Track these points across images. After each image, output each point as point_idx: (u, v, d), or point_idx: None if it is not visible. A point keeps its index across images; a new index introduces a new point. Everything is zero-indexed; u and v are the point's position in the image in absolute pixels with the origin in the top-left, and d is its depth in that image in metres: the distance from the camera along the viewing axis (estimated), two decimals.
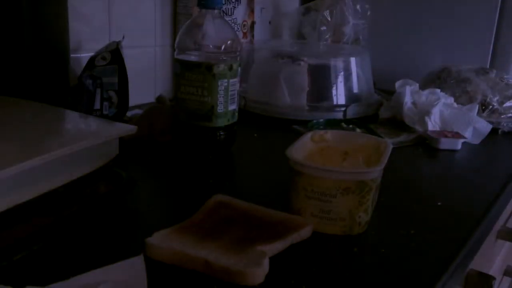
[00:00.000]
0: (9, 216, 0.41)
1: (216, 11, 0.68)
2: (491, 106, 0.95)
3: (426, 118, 0.85)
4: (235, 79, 0.69)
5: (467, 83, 0.98)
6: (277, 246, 0.44)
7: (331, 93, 0.96)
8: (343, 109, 0.94)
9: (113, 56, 0.75)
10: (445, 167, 0.75)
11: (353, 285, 0.41)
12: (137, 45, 0.95)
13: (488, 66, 1.22)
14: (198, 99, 0.68)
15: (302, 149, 0.54)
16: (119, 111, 0.76)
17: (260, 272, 0.39)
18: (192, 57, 0.68)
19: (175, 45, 0.70)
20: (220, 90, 0.67)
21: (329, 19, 1.23)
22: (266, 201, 0.51)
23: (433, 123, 0.85)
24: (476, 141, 0.85)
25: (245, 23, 1.16)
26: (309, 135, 0.58)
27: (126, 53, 0.76)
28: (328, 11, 1.23)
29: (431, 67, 1.09)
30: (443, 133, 0.83)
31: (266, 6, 1.28)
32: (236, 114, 0.72)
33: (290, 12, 1.32)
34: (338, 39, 1.25)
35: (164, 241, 0.42)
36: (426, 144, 0.83)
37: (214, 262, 0.40)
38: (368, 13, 1.25)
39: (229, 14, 1.11)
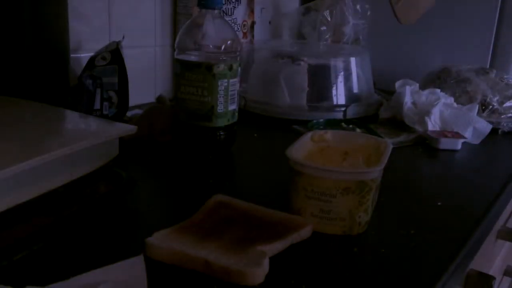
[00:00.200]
0: (9, 216, 0.41)
1: (216, 11, 0.68)
2: (491, 106, 0.95)
3: (426, 118, 0.85)
4: (235, 79, 0.69)
5: (467, 83, 0.98)
6: (277, 246, 0.44)
7: (331, 93, 0.96)
8: (343, 109, 0.94)
9: (113, 56, 0.75)
10: (445, 167, 0.75)
11: (353, 285, 0.41)
12: (137, 45, 0.95)
13: (488, 66, 1.22)
14: (198, 99, 0.68)
15: (302, 149, 0.54)
16: (119, 111, 0.76)
17: (260, 272, 0.39)
18: (192, 57, 0.68)
19: (175, 45, 0.70)
20: (220, 90, 0.67)
21: (329, 19, 1.23)
22: (266, 201, 0.51)
23: (433, 123, 0.85)
24: (476, 141, 0.85)
25: (245, 23, 1.16)
26: (309, 135, 0.58)
27: (126, 53, 0.76)
28: (328, 11, 1.23)
29: (431, 67, 1.09)
30: (443, 133, 0.83)
31: (266, 6, 1.28)
32: (236, 114, 0.72)
33: (290, 12, 1.32)
34: (338, 39, 1.25)
35: (164, 241, 0.42)
36: (426, 144, 0.83)
37: (214, 262, 0.40)
38: (368, 13, 1.25)
39: (229, 14, 1.11)
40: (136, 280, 0.38)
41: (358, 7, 1.24)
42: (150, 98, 0.92)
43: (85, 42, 0.84)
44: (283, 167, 0.51)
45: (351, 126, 0.87)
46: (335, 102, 0.96)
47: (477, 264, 0.64)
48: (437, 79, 1.03)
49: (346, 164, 0.58)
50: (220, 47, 0.68)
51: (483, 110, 0.95)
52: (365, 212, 0.49)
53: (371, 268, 0.43)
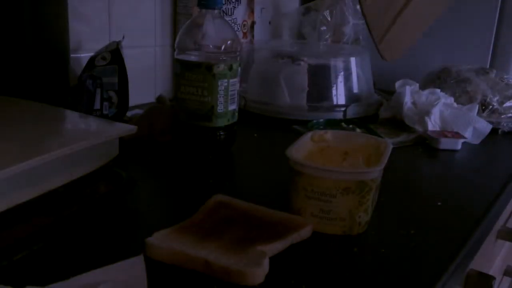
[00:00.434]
0: (9, 216, 0.41)
1: (216, 11, 0.68)
2: (491, 106, 0.95)
3: (426, 118, 0.85)
4: (235, 79, 0.69)
5: (467, 83, 0.98)
6: (277, 246, 0.44)
7: (331, 93, 0.96)
8: (343, 109, 0.94)
9: (113, 56, 0.75)
10: (445, 167, 0.75)
11: (353, 285, 0.41)
12: (137, 45, 0.95)
13: (488, 66, 1.22)
14: (198, 99, 0.68)
15: (302, 149, 0.54)
16: (119, 111, 0.76)
17: (260, 272, 0.39)
18: (192, 57, 0.68)
19: (175, 45, 0.70)
20: (220, 90, 0.67)
21: (329, 19, 1.23)
22: (266, 201, 0.51)
23: (433, 123, 0.85)
24: (476, 141, 0.85)
25: (245, 23, 1.16)
26: (309, 135, 0.58)
27: (126, 53, 0.76)
28: (328, 11, 1.23)
29: (431, 67, 1.09)
30: (443, 133, 0.83)
31: (266, 6, 1.28)
32: (236, 114, 0.72)
33: (290, 12, 1.32)
34: (338, 39, 1.25)
35: (164, 241, 0.42)
36: (426, 144, 0.83)
37: (214, 262, 0.40)
38: None
39: (229, 14, 1.11)
40: (136, 280, 0.38)
41: (358, 7, 1.24)
42: (150, 98, 0.92)
43: (85, 42, 0.84)
44: (283, 167, 0.51)
45: (351, 126, 0.87)
46: (335, 102, 0.96)
47: (477, 264, 0.64)
48: (437, 79, 1.03)
49: (346, 164, 0.58)
50: (220, 47, 0.68)
51: (483, 110, 0.95)
52: (365, 212, 0.49)
53: (371, 268, 0.43)
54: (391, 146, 0.54)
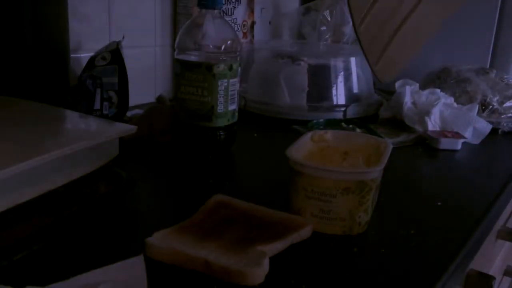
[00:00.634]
0: (9, 216, 0.41)
1: (216, 11, 0.68)
2: (491, 106, 0.95)
3: (426, 118, 0.85)
4: (235, 79, 0.69)
5: (467, 83, 0.98)
6: (277, 246, 0.44)
7: (331, 93, 0.96)
8: (343, 109, 0.94)
9: (113, 56, 0.75)
10: (445, 167, 0.75)
11: (353, 285, 0.41)
12: (137, 45, 0.95)
13: (488, 66, 1.22)
14: (198, 99, 0.68)
15: (302, 149, 0.54)
16: (119, 111, 0.76)
17: (260, 272, 0.39)
18: (192, 57, 0.68)
19: (175, 45, 0.70)
20: (220, 90, 0.67)
21: (329, 19, 1.23)
22: (266, 201, 0.51)
23: (433, 123, 0.85)
24: (476, 141, 0.85)
25: (245, 23, 1.16)
26: (309, 135, 0.58)
27: (126, 53, 0.76)
28: (328, 11, 1.23)
29: (431, 67, 1.09)
30: (443, 133, 0.83)
31: (266, 6, 1.28)
32: (236, 114, 0.72)
33: (290, 12, 1.32)
34: (338, 39, 1.25)
35: (164, 241, 0.42)
36: (426, 144, 0.83)
37: (214, 262, 0.40)
38: None
39: (229, 14, 1.11)
40: (136, 280, 0.38)
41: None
42: (150, 98, 0.92)
43: (85, 42, 0.84)
44: (283, 167, 0.51)
45: (351, 126, 0.87)
46: (335, 102, 0.96)
47: (477, 264, 0.64)
48: (437, 79, 1.03)
49: (346, 164, 0.58)
50: (220, 47, 0.68)
51: (483, 110, 0.95)
52: (365, 212, 0.49)
53: (371, 268, 0.43)
54: (391, 146, 0.54)
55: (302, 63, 0.95)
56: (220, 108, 0.68)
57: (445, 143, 0.80)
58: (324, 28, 1.23)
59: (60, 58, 0.73)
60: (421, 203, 0.59)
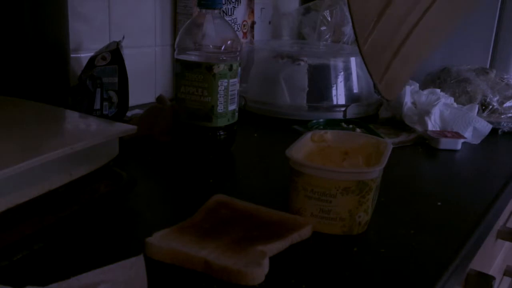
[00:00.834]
0: (9, 216, 0.41)
1: (216, 11, 0.68)
2: (491, 106, 0.95)
3: (426, 118, 0.85)
4: (235, 79, 0.69)
5: (467, 83, 0.98)
6: (277, 246, 0.44)
7: (331, 93, 0.96)
8: (343, 109, 0.94)
9: (113, 56, 0.75)
10: (445, 167, 0.75)
11: (353, 285, 0.41)
12: (137, 45, 0.95)
13: (488, 66, 1.22)
14: (198, 99, 0.68)
15: (302, 149, 0.54)
16: (119, 111, 0.76)
17: (260, 272, 0.39)
18: (192, 57, 0.68)
19: (175, 45, 0.70)
20: (220, 90, 0.67)
21: (329, 19, 1.23)
22: (266, 201, 0.51)
23: (433, 123, 0.85)
24: (476, 141, 0.85)
25: (245, 23, 1.16)
26: (309, 135, 0.58)
27: (126, 53, 0.76)
28: (328, 11, 1.23)
29: (431, 67, 1.09)
30: (443, 133, 0.83)
31: (266, 6, 1.28)
32: (236, 114, 0.72)
33: (290, 12, 1.32)
34: (338, 39, 1.25)
35: (164, 241, 0.42)
36: (426, 144, 0.83)
37: (214, 262, 0.40)
38: None
39: (229, 14, 1.11)
40: (136, 280, 0.38)
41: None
42: (150, 98, 0.92)
43: (85, 42, 0.84)
44: (283, 167, 0.51)
45: (351, 126, 0.87)
46: (335, 102, 0.96)
47: (477, 264, 0.64)
48: (437, 79, 1.03)
49: (346, 164, 0.58)
50: (220, 47, 0.68)
51: (483, 110, 0.95)
52: (365, 212, 0.49)
53: (371, 268, 0.43)
54: (391, 146, 0.54)
55: (302, 63, 0.95)
56: (220, 108, 0.68)
57: (445, 143, 0.80)
58: (324, 28, 1.23)
59: (60, 58, 0.73)
60: (421, 203, 0.59)
